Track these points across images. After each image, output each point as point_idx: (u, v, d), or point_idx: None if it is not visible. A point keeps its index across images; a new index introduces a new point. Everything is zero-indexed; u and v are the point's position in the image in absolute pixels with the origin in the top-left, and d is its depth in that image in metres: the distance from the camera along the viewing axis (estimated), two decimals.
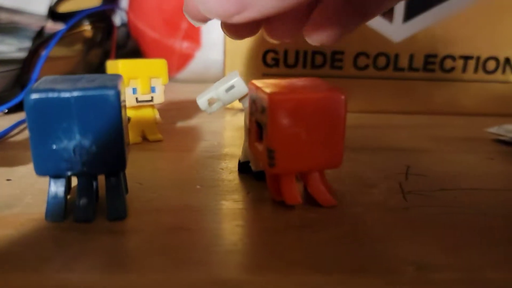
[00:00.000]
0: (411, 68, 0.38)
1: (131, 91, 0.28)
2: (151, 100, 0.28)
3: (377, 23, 0.37)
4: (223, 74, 0.39)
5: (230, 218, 0.19)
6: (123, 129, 0.18)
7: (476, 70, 0.38)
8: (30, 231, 0.18)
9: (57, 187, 0.19)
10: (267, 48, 0.38)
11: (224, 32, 0.20)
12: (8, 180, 0.23)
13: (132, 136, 0.29)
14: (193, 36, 0.46)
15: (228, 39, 0.37)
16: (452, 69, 0.38)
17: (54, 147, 0.17)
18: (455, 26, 0.37)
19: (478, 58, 0.38)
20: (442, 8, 0.37)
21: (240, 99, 0.22)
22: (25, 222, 0.18)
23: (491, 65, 0.38)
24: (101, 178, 0.19)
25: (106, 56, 0.46)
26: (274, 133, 0.18)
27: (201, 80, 0.47)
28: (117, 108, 0.18)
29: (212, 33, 0.46)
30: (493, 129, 0.32)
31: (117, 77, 0.19)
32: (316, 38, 0.20)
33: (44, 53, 0.38)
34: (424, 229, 0.19)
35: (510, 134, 0.31)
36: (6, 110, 0.35)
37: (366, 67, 0.38)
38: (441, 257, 0.17)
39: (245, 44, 0.37)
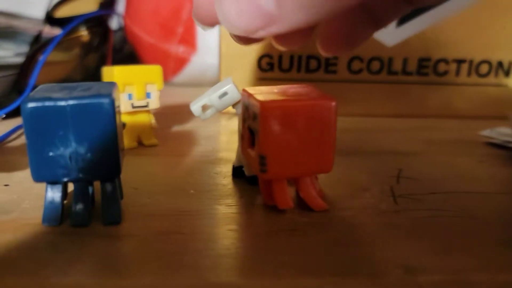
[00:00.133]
0: (404, 72, 0.39)
1: (126, 97, 0.28)
2: (147, 106, 0.29)
3: None
4: (218, 78, 0.39)
5: (223, 222, 0.20)
6: (117, 136, 0.18)
7: (469, 73, 0.39)
8: (27, 236, 0.18)
9: (53, 193, 0.19)
10: (262, 53, 0.38)
11: (236, 41, 0.18)
12: (5, 185, 0.23)
13: (127, 141, 0.29)
14: (189, 40, 0.47)
15: (224, 43, 0.38)
16: (446, 72, 0.39)
17: (51, 154, 0.18)
18: (448, 30, 0.38)
19: (471, 62, 0.39)
20: (435, 13, 0.37)
21: (234, 105, 0.23)
22: (22, 227, 0.19)
23: (484, 68, 0.39)
24: (97, 184, 0.20)
25: (103, 60, 0.47)
26: (266, 140, 0.19)
27: (197, 84, 0.48)
28: (112, 115, 0.18)
29: (208, 38, 0.46)
30: (486, 132, 0.33)
31: (112, 84, 0.20)
32: (331, 49, 0.19)
33: (41, 58, 0.38)
34: (413, 232, 0.19)
35: (502, 137, 0.31)
36: (4, 115, 0.35)
37: (360, 71, 0.39)
38: (428, 260, 0.17)
39: (240, 49, 0.38)
